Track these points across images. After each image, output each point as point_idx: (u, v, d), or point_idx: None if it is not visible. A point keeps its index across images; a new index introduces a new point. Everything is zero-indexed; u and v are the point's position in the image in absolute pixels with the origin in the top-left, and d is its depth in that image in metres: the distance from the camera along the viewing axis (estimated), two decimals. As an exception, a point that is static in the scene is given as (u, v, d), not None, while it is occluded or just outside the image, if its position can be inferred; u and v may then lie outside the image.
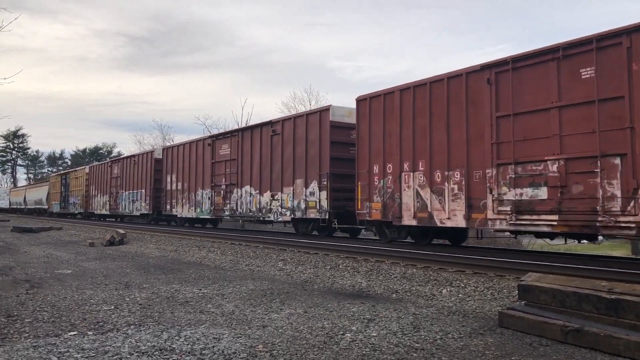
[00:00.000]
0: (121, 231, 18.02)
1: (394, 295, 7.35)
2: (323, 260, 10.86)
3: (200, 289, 7.70)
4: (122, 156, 29.79)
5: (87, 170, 35.43)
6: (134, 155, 28.18)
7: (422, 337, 4.96)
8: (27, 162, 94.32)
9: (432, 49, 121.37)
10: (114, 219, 32.24)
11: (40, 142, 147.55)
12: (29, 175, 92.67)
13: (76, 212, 37.46)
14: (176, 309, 6.26)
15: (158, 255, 13.25)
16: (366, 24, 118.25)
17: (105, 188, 31.06)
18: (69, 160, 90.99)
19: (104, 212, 31.64)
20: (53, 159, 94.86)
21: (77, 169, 40.37)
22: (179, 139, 56.60)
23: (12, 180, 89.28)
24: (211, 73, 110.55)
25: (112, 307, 6.35)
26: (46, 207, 44.82)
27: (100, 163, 35.85)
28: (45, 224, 27.13)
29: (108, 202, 30.47)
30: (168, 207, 23.34)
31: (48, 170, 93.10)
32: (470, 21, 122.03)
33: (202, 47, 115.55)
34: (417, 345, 4.68)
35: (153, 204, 24.77)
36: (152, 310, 6.13)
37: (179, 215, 22.56)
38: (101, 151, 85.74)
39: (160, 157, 24.64)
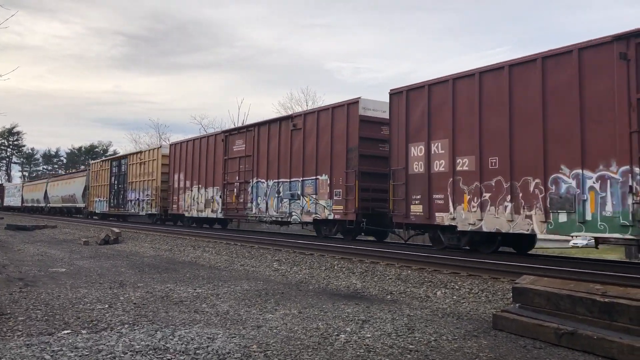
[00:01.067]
0: (116, 230, 17.98)
1: (388, 297, 7.36)
2: (318, 261, 10.85)
3: (195, 289, 7.68)
4: (253, 123, 18.40)
5: (164, 151, 23.08)
6: (290, 117, 16.06)
7: (417, 338, 4.97)
8: (22, 159, 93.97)
9: (431, 52, 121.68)
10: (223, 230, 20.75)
11: (36, 140, 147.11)
12: (24, 173, 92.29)
13: (142, 213, 24.77)
14: (170, 308, 6.25)
15: (153, 254, 13.22)
16: (365, 25, 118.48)
17: (211, 176, 19.61)
18: (64, 158, 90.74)
19: (207, 214, 19.83)
20: (48, 157, 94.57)
21: (143, 150, 26.98)
22: (175, 138, 54.46)
23: (6, 177, 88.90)
24: (209, 73, 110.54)
25: (106, 306, 6.34)
26: (82, 205, 33.05)
27: (198, 137, 21.60)
28: (39, 222, 26.99)
29: (219, 199, 18.99)
30: (453, 209, 10.55)
31: (43, 168, 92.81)
32: (469, 24, 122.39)
33: (201, 47, 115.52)
34: (411, 346, 4.69)
35: (359, 202, 13.27)
36: (146, 310, 6.12)
37: (485, 229, 10.02)
38: (97, 149, 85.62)
39: (382, 114, 13.29)
